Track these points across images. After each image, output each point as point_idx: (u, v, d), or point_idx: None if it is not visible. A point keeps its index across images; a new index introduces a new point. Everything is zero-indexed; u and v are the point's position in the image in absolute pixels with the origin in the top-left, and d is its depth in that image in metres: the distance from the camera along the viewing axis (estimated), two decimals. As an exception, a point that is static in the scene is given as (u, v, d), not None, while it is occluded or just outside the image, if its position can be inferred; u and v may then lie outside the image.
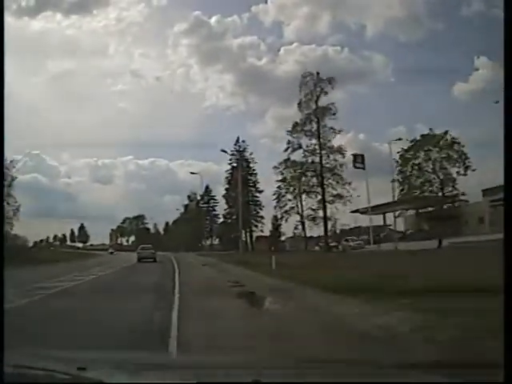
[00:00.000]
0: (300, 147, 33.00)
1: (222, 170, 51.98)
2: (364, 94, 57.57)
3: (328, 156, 32.36)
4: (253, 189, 49.57)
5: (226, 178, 50.46)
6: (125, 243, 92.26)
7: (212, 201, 67.17)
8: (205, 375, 1.35)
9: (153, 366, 1.51)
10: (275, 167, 35.33)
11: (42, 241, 74.73)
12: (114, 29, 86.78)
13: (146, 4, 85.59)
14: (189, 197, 67.42)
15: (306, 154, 32.88)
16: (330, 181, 32.36)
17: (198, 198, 64.53)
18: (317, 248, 35.59)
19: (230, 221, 50.31)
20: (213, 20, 67.94)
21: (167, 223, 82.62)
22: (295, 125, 32.75)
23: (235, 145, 49.05)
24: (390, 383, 1.22)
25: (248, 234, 48.30)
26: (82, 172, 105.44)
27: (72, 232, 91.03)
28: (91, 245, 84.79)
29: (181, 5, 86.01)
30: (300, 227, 35.27)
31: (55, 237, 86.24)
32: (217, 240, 66.34)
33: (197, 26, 77.35)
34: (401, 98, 61.74)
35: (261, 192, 49.39)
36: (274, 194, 37.33)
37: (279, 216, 38.49)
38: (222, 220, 58.11)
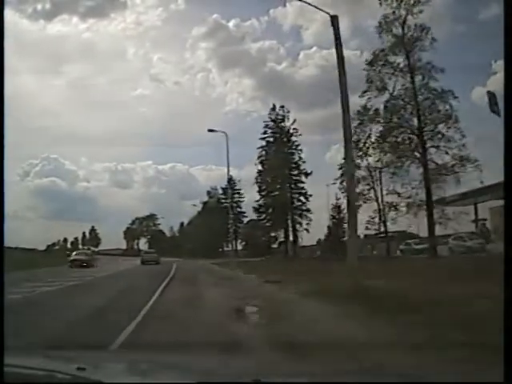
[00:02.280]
0: (385, 88, 27.24)
1: (243, 174, 62.47)
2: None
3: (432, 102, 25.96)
4: (296, 171, 45.98)
5: (259, 157, 47.01)
6: (141, 248, 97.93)
7: (236, 195, 68.01)
8: (205, 375, 1.63)
9: (153, 365, 1.82)
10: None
11: (54, 244, 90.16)
12: (132, 33, 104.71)
13: (164, 8, 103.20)
14: (208, 193, 68.41)
15: (395, 99, 26.98)
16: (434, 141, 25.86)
17: (220, 192, 65.71)
18: (398, 252, 32.72)
19: (263, 216, 47.79)
20: (231, 23, 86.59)
21: (182, 224, 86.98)
22: (376, 55, 27.27)
23: (271, 114, 46.73)
24: (390, 383, 1.46)
25: (289, 234, 45.60)
26: (101, 176, 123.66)
27: (84, 235, 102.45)
28: (105, 250, 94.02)
29: (199, 8, 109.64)
30: (376, 220, 30.46)
31: (65, 240, 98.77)
32: (241, 244, 65.66)
33: (215, 30, 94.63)
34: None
35: (308, 175, 45.76)
36: (340, 168, 30.31)
37: (346, 204, 34.60)
38: (248, 219, 58.00)
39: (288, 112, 46.11)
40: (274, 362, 2.17)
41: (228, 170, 31.27)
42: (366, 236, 41.84)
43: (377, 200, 30.48)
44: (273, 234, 48.34)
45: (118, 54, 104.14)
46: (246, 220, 61.47)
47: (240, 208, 67.67)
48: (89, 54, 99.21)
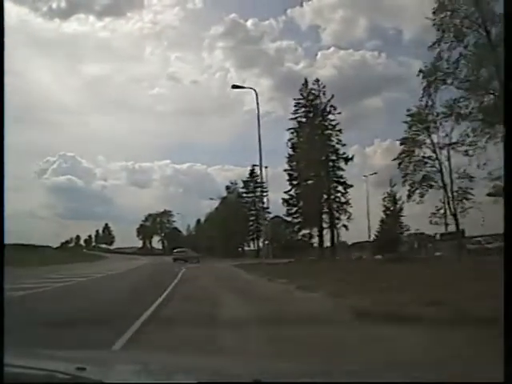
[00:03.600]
0: (464, 36, 25.62)
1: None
2: (402, 100, 74.56)
3: None
4: (333, 156, 45.15)
5: (289, 140, 46.88)
6: (154, 246, 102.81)
7: (259, 189, 68.76)
8: (205, 375, 1.85)
9: (153, 365, 2.06)
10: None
11: (67, 241, 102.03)
12: (149, 32, 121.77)
13: (181, 7, 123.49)
14: (227, 188, 70.90)
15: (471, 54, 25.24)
16: None
17: (241, 186, 67.94)
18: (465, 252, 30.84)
19: (294, 210, 47.10)
20: (249, 23, 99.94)
21: (198, 221, 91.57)
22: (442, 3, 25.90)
23: (302, 90, 46.10)
24: (390, 383, 1.63)
25: (324, 230, 44.86)
26: (118, 175, 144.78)
27: (97, 233, 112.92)
28: (120, 248, 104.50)
29: (216, 8, 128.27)
30: (442, 212, 28.91)
31: (78, 237, 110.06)
32: (264, 243, 68.42)
33: (233, 29, 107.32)
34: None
35: (349, 160, 44.98)
36: (402, 144, 31.12)
37: (409, 188, 30.90)
38: (272, 215, 56.78)
39: (324, 87, 45.51)
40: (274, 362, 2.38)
41: (259, 137, 29.17)
42: (421, 234, 41.27)
43: (444, 186, 29.05)
44: (304, 232, 47.77)
45: (134, 52, 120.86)
46: (269, 217, 62.62)
47: (263, 203, 69.71)
48: (106, 52, 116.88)
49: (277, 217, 55.70)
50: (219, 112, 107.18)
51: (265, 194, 67.89)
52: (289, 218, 49.26)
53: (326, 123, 45.13)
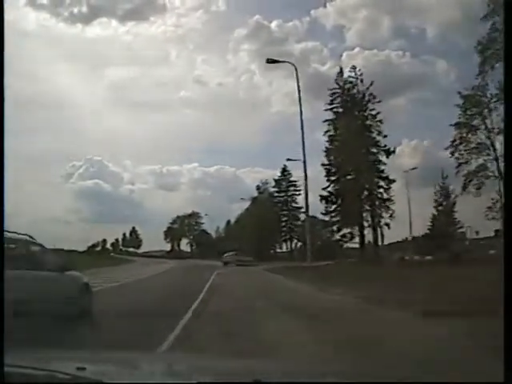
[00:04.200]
0: None
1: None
2: (427, 100, 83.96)
3: None
4: (374, 149, 44.06)
5: (326, 132, 46.03)
6: (182, 249, 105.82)
7: (292, 188, 70.59)
8: (205, 375, 1.93)
9: (153, 365, 2.15)
10: None
11: (94, 245, 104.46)
12: (173, 35, 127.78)
13: (205, 10, 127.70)
14: (258, 188, 72.79)
15: None
16: None
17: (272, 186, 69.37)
18: None
19: (333, 208, 45.50)
20: (273, 25, 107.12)
21: (228, 222, 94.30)
22: None
23: (337, 79, 45.75)
24: (390, 383, 1.70)
25: (366, 227, 43.75)
26: (145, 179, 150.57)
27: (124, 236, 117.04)
28: (148, 252, 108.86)
29: (239, 10, 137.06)
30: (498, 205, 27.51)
31: (104, 241, 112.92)
32: (296, 244, 68.70)
33: (257, 31, 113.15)
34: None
35: (391, 153, 43.77)
36: (456, 128, 30.37)
37: (464, 179, 30.19)
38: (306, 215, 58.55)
39: (361, 74, 44.80)
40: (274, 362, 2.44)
41: (301, 124, 27.29)
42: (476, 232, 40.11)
43: (501, 176, 27.43)
44: (345, 231, 46.89)
45: (159, 56, 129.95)
46: (303, 217, 60.93)
47: (296, 203, 70.26)
48: (130, 56, 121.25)
49: (312, 217, 55.24)
50: (246, 114, 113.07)
51: (297, 193, 68.42)
52: (326, 218, 48.00)
53: (366, 113, 44.30)
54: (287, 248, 72.08)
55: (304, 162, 25.97)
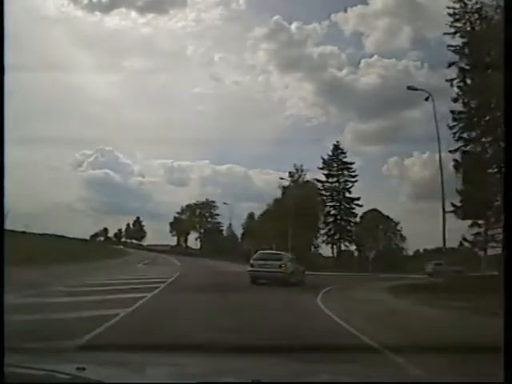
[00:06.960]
0: None
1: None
2: (441, 113, 60.54)
3: None
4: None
5: (451, 81, 27.25)
6: (191, 246, 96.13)
7: (346, 172, 52.97)
8: (205, 375, 1.93)
9: (153, 365, 2.16)
10: None
11: (96, 234, 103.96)
12: (192, 30, 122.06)
13: (225, 7, 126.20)
14: (290, 174, 53.02)
15: None
16: None
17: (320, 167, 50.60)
18: None
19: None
20: (293, 26, 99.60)
21: (252, 215, 70.64)
22: None
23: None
24: (391, 383, 1.75)
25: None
26: (156, 172, 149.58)
27: (128, 226, 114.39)
28: (152, 245, 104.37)
29: (260, 9, 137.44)
30: None
31: (105, 229, 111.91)
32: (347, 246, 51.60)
33: (277, 32, 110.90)
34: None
35: None
36: None
37: None
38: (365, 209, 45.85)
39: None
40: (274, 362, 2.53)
41: None
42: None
43: None
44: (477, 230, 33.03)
45: (177, 50, 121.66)
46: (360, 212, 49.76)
47: (350, 193, 53.63)
48: (148, 49, 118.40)
49: (374, 210, 45.73)
50: (260, 115, 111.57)
51: (353, 179, 52.24)
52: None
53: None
54: (332, 252, 55.03)
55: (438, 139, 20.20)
